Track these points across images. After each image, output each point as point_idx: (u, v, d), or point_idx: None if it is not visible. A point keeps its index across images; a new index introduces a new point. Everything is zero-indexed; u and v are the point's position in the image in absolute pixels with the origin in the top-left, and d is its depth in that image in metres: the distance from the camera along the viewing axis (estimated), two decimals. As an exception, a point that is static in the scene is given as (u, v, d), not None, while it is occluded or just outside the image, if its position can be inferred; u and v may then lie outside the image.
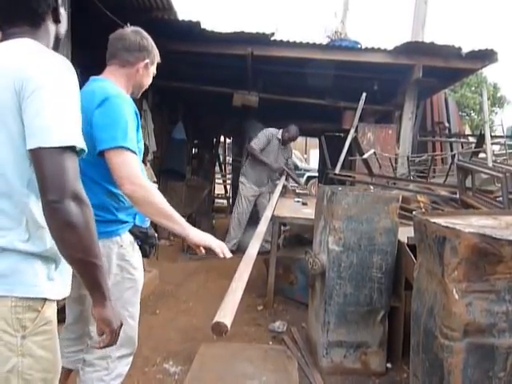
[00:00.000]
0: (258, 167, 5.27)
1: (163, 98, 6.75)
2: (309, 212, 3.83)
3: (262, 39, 4.92)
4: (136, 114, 1.55)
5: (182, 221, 1.50)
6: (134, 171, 1.42)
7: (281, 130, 5.28)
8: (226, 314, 1.17)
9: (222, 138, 11.08)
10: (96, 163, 1.46)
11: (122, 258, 1.57)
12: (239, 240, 5.26)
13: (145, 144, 5.95)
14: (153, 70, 1.72)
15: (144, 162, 5.85)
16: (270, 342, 2.95)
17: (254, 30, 4.82)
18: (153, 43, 1.69)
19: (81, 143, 0.98)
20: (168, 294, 3.81)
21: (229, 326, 1.13)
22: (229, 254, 1.56)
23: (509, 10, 44.14)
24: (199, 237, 1.53)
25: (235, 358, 2.56)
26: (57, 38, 1.16)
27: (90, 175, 1.46)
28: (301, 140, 19.88)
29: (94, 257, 0.98)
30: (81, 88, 1.71)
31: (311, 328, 2.89)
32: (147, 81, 1.71)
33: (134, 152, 1.46)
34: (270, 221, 3.21)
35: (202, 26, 4.62)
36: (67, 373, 1.76)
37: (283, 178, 5.29)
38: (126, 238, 1.61)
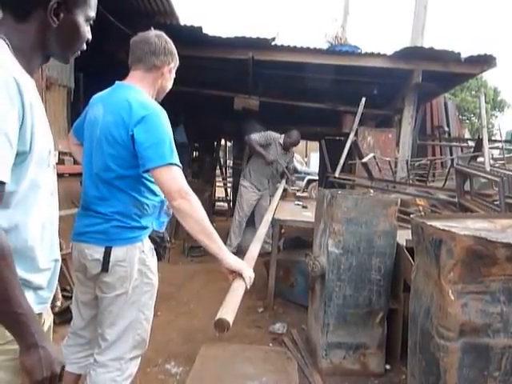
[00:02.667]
0: (258, 169, 5.25)
1: (164, 102, 6.79)
2: (309, 215, 3.87)
3: (263, 44, 4.97)
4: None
5: (220, 242, 1.51)
6: (183, 185, 1.46)
7: (283, 135, 5.26)
8: (229, 311, 1.21)
9: (222, 142, 11.13)
10: (126, 175, 1.52)
11: (143, 262, 1.59)
12: (239, 243, 5.28)
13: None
14: (174, 74, 1.74)
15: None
16: (270, 344, 2.98)
17: (255, 35, 4.87)
18: (174, 47, 1.70)
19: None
20: (169, 295, 3.84)
21: (231, 323, 1.17)
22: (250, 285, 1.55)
23: (508, 15, 44.27)
24: (234, 262, 1.52)
25: (236, 359, 2.59)
26: (45, 40, 0.99)
27: (117, 185, 1.53)
28: (301, 143, 19.97)
29: (11, 305, 0.85)
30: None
31: (311, 330, 2.92)
32: (170, 84, 1.74)
33: (180, 166, 1.50)
34: (270, 223, 3.24)
35: (204, 31, 4.67)
36: (77, 378, 1.78)
37: (283, 181, 5.33)
38: (147, 244, 1.64)
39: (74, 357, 1.75)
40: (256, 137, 5.13)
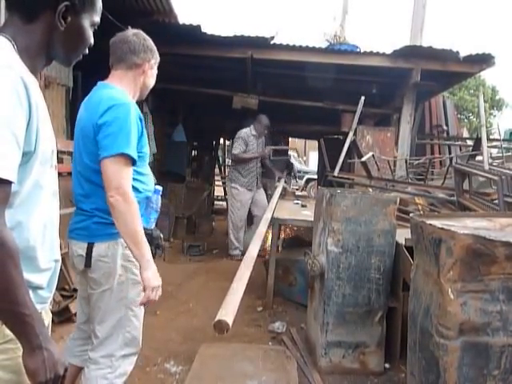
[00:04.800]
0: (245, 170, 5.30)
1: (163, 101, 6.79)
2: (308, 214, 3.87)
3: (262, 42, 4.96)
4: (140, 120, 1.59)
5: (145, 251, 1.48)
6: (124, 183, 1.46)
7: (251, 126, 5.34)
8: (228, 312, 1.21)
9: (221, 140, 11.12)
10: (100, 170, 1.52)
11: (126, 258, 1.60)
12: (241, 244, 5.27)
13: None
14: (155, 70, 1.76)
15: (144, 164, 5.89)
16: (270, 343, 2.98)
17: (253, 34, 4.86)
18: (153, 44, 1.72)
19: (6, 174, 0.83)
20: (168, 294, 3.84)
21: (230, 324, 1.17)
22: (151, 302, 1.53)
23: (507, 14, 44.32)
24: (146, 274, 1.48)
25: (235, 358, 2.59)
26: (51, 43, 0.99)
27: (96, 181, 1.53)
28: (300, 142, 19.98)
29: (17, 305, 0.85)
30: (85, 91, 1.77)
31: (310, 328, 2.92)
32: (152, 81, 1.75)
33: (134, 159, 1.50)
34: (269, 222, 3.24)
35: (203, 30, 4.66)
36: (78, 370, 1.80)
37: (282, 180, 5.33)
38: None
39: (77, 350, 1.79)
40: (237, 149, 5.24)
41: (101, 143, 1.49)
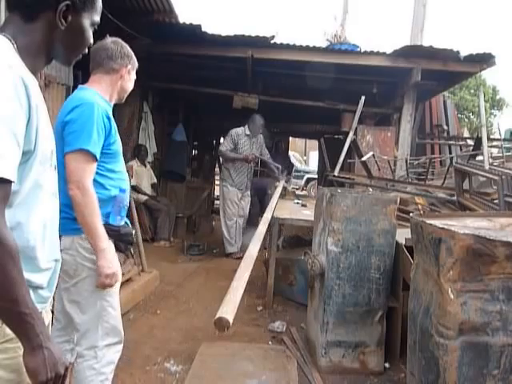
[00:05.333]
0: (236, 170, 5.30)
1: (164, 100, 6.79)
2: (308, 213, 3.87)
3: (262, 42, 4.96)
4: (108, 119, 1.66)
5: (100, 243, 1.56)
6: (83, 178, 1.54)
7: (246, 126, 5.30)
8: (228, 310, 1.21)
9: (221, 140, 11.12)
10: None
11: (92, 252, 1.63)
12: (236, 241, 5.30)
13: (145, 146, 6.01)
14: (134, 75, 1.86)
15: (144, 163, 5.90)
16: (270, 342, 2.98)
17: (254, 33, 4.86)
18: (131, 51, 1.83)
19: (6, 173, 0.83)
20: (168, 294, 3.85)
21: (231, 322, 1.17)
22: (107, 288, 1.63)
23: (508, 14, 44.30)
24: (102, 264, 1.57)
25: (235, 358, 2.59)
26: (51, 42, 0.99)
27: (63, 176, 1.56)
28: (300, 142, 19.98)
29: (17, 304, 0.85)
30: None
31: (310, 328, 2.92)
32: (130, 86, 1.85)
33: (95, 155, 1.58)
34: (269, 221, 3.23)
35: (203, 29, 4.67)
36: None
37: (282, 180, 5.33)
38: None
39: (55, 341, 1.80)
40: (224, 146, 5.23)
41: (65, 139, 1.58)
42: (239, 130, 5.28)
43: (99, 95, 1.70)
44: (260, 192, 6.25)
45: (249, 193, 5.51)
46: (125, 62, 1.77)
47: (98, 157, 1.60)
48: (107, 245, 1.60)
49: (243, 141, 5.25)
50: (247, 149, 5.27)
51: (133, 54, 1.83)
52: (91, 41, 1.08)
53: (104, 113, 1.64)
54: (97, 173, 1.64)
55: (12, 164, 0.84)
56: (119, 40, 1.82)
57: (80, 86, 1.78)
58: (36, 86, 0.95)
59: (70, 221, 1.59)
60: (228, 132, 5.34)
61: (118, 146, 1.74)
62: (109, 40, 1.79)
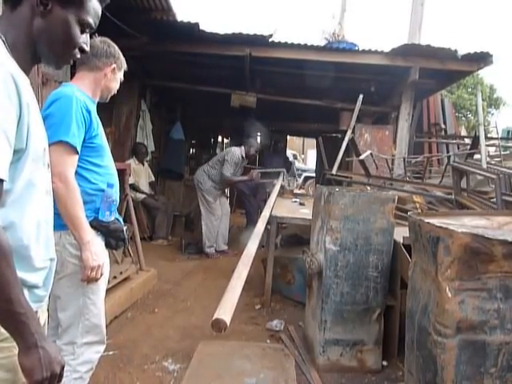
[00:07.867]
0: (220, 185, 5.48)
1: (161, 99, 6.78)
2: (306, 212, 3.87)
3: (260, 40, 4.95)
4: (88, 112, 1.66)
5: (84, 236, 1.57)
6: (65, 170, 1.55)
7: (242, 148, 5.47)
8: (226, 311, 1.21)
9: (219, 138, 11.11)
10: None
11: (78, 248, 1.63)
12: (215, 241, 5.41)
13: (143, 144, 5.99)
14: (120, 75, 1.85)
15: (142, 161, 5.89)
16: (268, 341, 2.99)
17: (252, 32, 4.85)
18: (119, 51, 1.83)
19: None
20: (166, 292, 3.85)
21: (228, 323, 1.16)
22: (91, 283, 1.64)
23: (505, 13, 44.36)
24: (87, 256, 1.58)
25: (233, 356, 2.59)
26: (33, 33, 0.97)
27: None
28: (298, 140, 19.97)
29: (11, 303, 0.85)
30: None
31: (308, 326, 2.93)
32: (115, 85, 1.85)
33: (75, 147, 1.58)
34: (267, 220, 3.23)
35: (201, 27, 4.65)
36: None
37: (280, 178, 5.34)
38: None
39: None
40: (228, 171, 5.34)
41: (46, 133, 1.56)
42: (238, 152, 5.42)
43: (81, 91, 1.70)
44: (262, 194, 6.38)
45: (226, 199, 5.86)
46: (109, 61, 1.78)
47: (78, 149, 1.60)
48: (91, 237, 1.60)
49: (241, 162, 5.48)
50: (240, 167, 5.53)
51: (121, 54, 1.83)
52: (79, 41, 1.04)
53: (83, 106, 1.63)
54: (81, 167, 1.65)
55: (3, 163, 0.83)
56: (108, 40, 1.82)
57: (64, 83, 1.80)
58: (27, 85, 0.94)
59: (56, 216, 1.59)
60: (228, 155, 5.41)
61: (101, 140, 1.73)
62: (98, 39, 1.80)
